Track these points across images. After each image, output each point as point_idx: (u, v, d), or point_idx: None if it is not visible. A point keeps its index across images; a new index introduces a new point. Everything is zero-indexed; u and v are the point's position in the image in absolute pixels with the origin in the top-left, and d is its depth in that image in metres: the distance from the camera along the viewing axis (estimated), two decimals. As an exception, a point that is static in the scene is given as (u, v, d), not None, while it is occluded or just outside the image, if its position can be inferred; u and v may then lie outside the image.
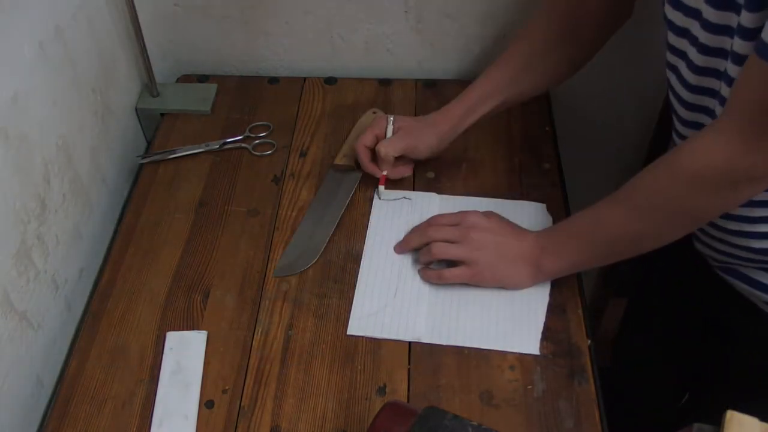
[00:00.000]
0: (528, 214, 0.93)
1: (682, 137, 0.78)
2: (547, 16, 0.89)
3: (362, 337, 0.82)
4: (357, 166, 0.98)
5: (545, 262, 0.81)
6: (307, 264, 0.88)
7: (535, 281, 0.84)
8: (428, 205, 0.95)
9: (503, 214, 0.88)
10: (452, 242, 0.84)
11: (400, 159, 0.94)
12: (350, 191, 0.96)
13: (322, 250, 0.89)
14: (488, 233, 0.84)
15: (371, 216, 0.94)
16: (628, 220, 0.74)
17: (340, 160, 0.99)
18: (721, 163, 0.62)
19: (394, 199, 0.95)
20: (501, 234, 0.84)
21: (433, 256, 0.85)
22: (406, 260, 0.89)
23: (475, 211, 0.87)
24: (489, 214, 0.87)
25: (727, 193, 0.65)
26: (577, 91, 1.16)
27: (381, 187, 0.95)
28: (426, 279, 0.86)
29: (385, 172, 0.94)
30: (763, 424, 0.46)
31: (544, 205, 0.94)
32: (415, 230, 0.89)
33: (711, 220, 0.69)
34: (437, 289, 0.86)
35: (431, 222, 0.89)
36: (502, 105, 0.92)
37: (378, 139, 0.94)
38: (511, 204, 0.94)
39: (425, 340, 0.81)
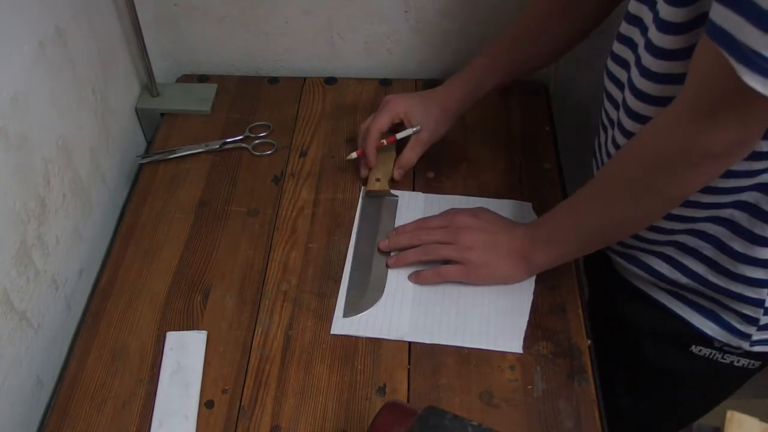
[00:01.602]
0: (514, 213, 0.92)
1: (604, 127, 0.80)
2: None
3: (357, 337, 0.82)
4: (390, 189, 0.96)
5: (535, 255, 0.82)
6: (375, 300, 0.84)
7: (529, 274, 0.84)
8: (414, 203, 0.95)
9: None
10: (443, 243, 0.84)
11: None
12: (393, 216, 0.93)
13: (386, 282, 0.86)
14: (479, 232, 0.84)
15: (357, 214, 0.94)
16: (604, 207, 0.74)
17: (372, 186, 0.96)
18: (679, 143, 0.62)
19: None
20: (491, 231, 0.84)
21: (427, 258, 0.85)
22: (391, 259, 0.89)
23: (463, 210, 0.87)
24: (477, 212, 0.87)
25: (691, 173, 0.64)
26: (577, 91, 1.16)
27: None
28: (422, 281, 0.85)
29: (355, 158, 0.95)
30: (763, 424, 0.46)
31: (530, 204, 0.94)
32: (403, 231, 0.89)
33: (684, 199, 0.69)
34: (421, 288, 0.85)
35: (421, 225, 0.88)
36: (508, 78, 0.92)
37: (392, 125, 0.93)
38: (497, 203, 0.94)
39: (409, 338, 0.81)
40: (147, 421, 0.76)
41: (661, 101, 0.66)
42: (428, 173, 0.99)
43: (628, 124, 0.72)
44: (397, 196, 0.96)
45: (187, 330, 0.83)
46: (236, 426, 0.75)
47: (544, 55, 0.92)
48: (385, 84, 1.13)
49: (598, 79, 1.15)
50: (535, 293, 0.84)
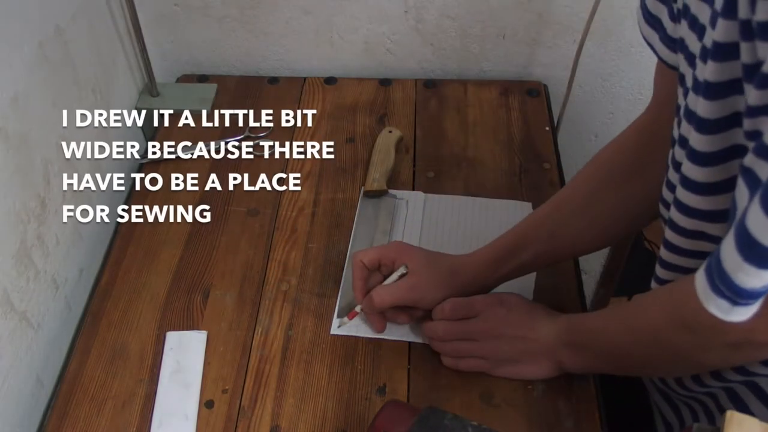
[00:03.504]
0: (514, 213, 0.92)
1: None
2: (616, 147, 0.76)
3: (357, 337, 0.82)
4: (388, 188, 0.95)
5: (566, 361, 0.75)
6: None
7: (556, 374, 0.77)
8: (413, 203, 0.95)
9: (490, 214, 0.85)
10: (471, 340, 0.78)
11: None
12: (390, 216, 0.93)
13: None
14: (510, 329, 0.77)
15: (357, 214, 0.94)
16: (631, 345, 0.68)
17: (370, 186, 0.95)
18: (713, 317, 0.51)
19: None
20: (522, 328, 0.77)
21: (456, 354, 0.79)
22: None
23: (494, 301, 0.79)
24: (507, 302, 0.79)
25: (727, 352, 0.57)
26: (576, 91, 1.16)
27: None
28: (446, 364, 0.79)
29: (358, 308, 0.81)
30: (763, 424, 0.46)
31: (530, 204, 0.94)
32: (435, 319, 0.80)
33: (724, 367, 0.63)
34: None
35: (453, 313, 0.79)
36: (546, 256, 0.78)
37: (381, 264, 0.80)
38: (497, 203, 0.94)
39: (409, 338, 0.81)
40: (147, 421, 0.76)
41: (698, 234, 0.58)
42: (428, 173, 0.99)
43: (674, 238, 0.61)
44: (395, 195, 0.96)
45: (187, 330, 0.83)
46: (236, 426, 0.75)
47: (590, 231, 0.77)
48: (385, 84, 1.13)
49: (598, 79, 1.16)
50: (534, 292, 0.84)
